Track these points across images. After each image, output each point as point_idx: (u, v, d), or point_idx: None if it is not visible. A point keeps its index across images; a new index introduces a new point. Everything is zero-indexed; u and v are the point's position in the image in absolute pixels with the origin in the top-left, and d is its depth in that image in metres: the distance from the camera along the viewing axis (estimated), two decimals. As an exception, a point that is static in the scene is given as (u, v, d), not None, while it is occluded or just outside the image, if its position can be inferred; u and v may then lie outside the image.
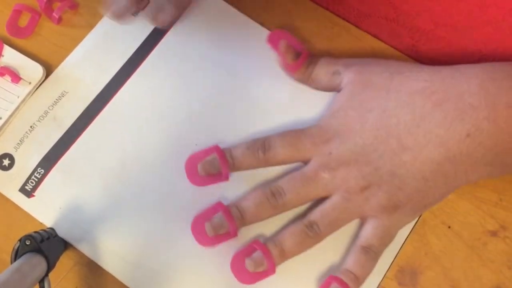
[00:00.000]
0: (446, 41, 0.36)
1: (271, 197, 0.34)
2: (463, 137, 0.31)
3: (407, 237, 0.36)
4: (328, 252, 0.36)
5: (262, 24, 0.41)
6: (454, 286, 0.36)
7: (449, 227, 0.37)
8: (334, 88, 0.37)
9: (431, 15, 0.35)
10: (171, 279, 0.35)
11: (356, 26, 0.41)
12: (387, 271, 0.36)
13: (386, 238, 0.34)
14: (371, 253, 0.34)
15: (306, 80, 0.38)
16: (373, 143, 0.33)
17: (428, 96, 0.32)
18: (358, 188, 0.33)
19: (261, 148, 0.35)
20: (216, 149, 0.36)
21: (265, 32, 0.40)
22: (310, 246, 0.34)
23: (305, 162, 0.35)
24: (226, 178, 0.35)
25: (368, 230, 0.34)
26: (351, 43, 0.41)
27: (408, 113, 0.33)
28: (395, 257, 0.36)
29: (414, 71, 0.35)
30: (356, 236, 0.35)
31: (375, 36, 0.41)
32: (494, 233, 0.37)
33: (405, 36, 0.38)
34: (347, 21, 0.41)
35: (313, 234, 0.34)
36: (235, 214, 0.34)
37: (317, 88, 0.38)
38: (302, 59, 0.37)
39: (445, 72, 0.33)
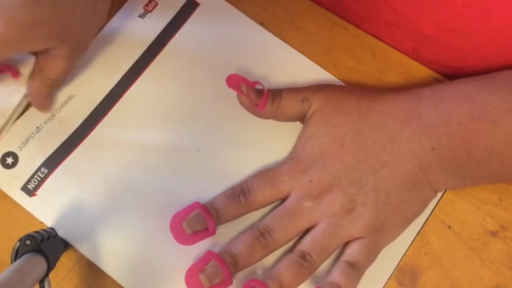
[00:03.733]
0: (448, 45, 0.36)
1: (261, 237, 0.34)
2: (430, 150, 0.34)
3: (411, 244, 0.36)
4: None
5: (262, 24, 0.41)
6: (454, 286, 0.36)
7: (449, 227, 0.37)
8: (301, 117, 0.37)
9: (433, 20, 0.35)
10: (170, 283, 0.35)
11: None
12: (391, 274, 0.36)
13: (371, 256, 0.34)
14: (357, 268, 0.34)
15: (275, 114, 0.37)
16: (353, 165, 0.34)
17: (395, 117, 0.35)
18: (344, 211, 0.34)
19: (241, 194, 0.35)
20: (198, 204, 0.35)
21: (270, 36, 0.40)
22: (307, 276, 0.34)
23: (287, 197, 0.35)
24: (213, 232, 0.35)
25: (355, 247, 0.34)
26: (351, 43, 0.41)
27: (381, 132, 0.35)
28: (399, 262, 0.36)
29: (377, 95, 0.36)
30: (341, 253, 0.35)
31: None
32: (494, 233, 0.36)
33: (406, 40, 0.38)
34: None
35: (308, 264, 0.34)
36: (228, 260, 0.34)
37: (286, 119, 0.38)
38: (266, 95, 0.36)
39: (404, 95, 0.36)
